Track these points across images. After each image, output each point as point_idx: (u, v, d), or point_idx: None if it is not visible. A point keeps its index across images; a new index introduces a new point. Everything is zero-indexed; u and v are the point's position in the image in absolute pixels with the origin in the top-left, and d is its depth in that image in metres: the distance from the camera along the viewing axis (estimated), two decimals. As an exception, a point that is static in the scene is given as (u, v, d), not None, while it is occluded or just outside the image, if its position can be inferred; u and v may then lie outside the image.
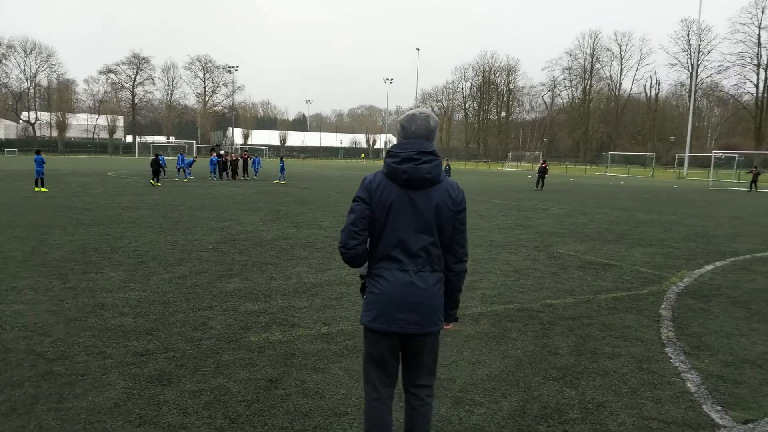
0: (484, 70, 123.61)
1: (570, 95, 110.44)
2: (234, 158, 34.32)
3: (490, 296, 6.74)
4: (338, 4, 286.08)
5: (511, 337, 5.24)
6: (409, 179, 2.69)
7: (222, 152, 33.76)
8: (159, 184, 25.78)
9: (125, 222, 12.64)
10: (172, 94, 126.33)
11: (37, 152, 21.22)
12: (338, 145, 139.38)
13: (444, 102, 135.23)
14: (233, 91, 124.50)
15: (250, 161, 35.49)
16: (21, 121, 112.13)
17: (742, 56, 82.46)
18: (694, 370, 4.54)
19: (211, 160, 32.81)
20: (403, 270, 2.73)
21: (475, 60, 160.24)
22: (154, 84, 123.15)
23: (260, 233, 11.50)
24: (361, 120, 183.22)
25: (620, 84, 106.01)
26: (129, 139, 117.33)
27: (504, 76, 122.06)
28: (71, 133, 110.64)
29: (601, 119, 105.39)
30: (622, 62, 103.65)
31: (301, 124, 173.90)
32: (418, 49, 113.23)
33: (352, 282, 7.24)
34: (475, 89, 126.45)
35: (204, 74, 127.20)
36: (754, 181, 33.52)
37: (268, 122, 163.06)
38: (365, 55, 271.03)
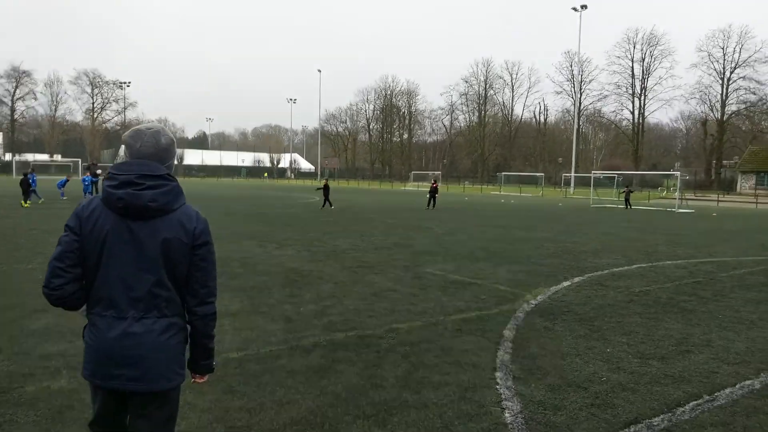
0: (385, 94, 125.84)
1: (467, 119, 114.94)
2: (115, 178, 32.03)
3: (336, 323, 6.30)
4: (241, 21, 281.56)
5: (339, 370, 4.80)
6: (126, 207, 2.22)
7: (98, 171, 31.37)
8: (28, 204, 23.56)
9: (-47, 250, 11.05)
10: (56, 110, 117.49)
11: None
12: (240, 164, 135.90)
13: (348, 123, 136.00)
14: (125, 108, 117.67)
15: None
16: None
17: (619, 86, 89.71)
18: (517, 396, 4.31)
19: (83, 180, 30.40)
20: (121, 317, 2.27)
21: (376, 83, 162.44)
22: (36, 99, 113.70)
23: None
24: (266, 139, 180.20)
25: (512, 109, 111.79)
26: (9, 157, 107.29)
27: (405, 100, 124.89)
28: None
29: (496, 142, 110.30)
30: (513, 89, 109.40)
31: (201, 142, 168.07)
32: (319, 71, 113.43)
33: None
34: (378, 111, 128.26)
35: (92, 89, 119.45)
36: (627, 200, 36.04)
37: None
38: (271, 74, 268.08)
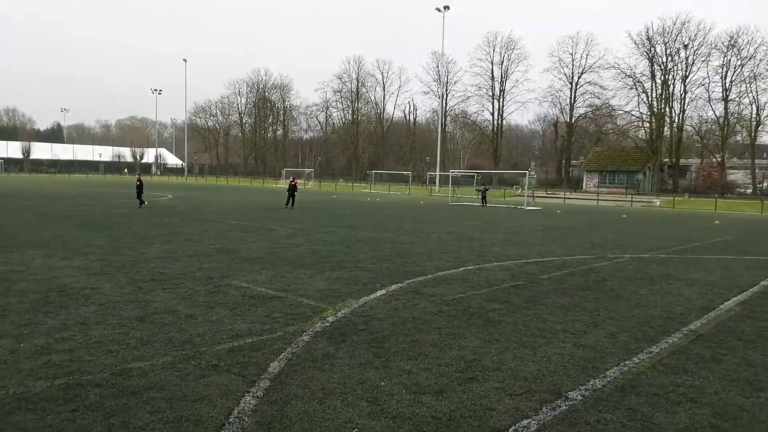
0: (258, 87, 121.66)
1: (342, 116, 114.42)
2: None
3: (54, 365, 4.85)
4: (99, 9, 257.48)
5: (-11, 448, 3.42)
6: None
7: None
8: None
9: None
10: None
11: None
12: (97, 158, 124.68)
13: (220, 117, 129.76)
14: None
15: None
16: None
17: (480, 87, 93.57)
18: (225, 472, 3.23)
19: None
20: None
21: (248, 76, 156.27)
22: None
23: None
24: (132, 132, 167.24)
25: (384, 108, 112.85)
26: None
27: (279, 94, 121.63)
28: None
29: (369, 140, 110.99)
30: (384, 88, 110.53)
31: (55, 135, 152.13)
32: (185, 60, 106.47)
33: None
34: (251, 106, 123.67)
35: None
36: (483, 197, 37.24)
37: (11, 132, 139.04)
38: (135, 64, 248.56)
